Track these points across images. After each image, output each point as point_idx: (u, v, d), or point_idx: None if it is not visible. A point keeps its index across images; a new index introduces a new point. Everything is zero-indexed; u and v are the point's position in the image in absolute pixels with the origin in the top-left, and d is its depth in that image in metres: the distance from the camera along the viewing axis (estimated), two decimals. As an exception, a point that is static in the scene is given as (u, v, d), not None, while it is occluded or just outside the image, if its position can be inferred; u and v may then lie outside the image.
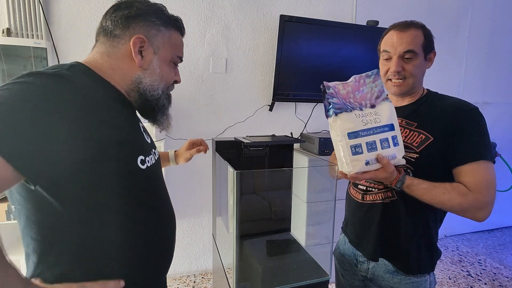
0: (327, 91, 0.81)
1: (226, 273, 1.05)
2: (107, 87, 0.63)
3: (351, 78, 0.84)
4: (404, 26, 0.89)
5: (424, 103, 0.93)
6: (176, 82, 0.75)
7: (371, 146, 0.79)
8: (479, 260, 2.54)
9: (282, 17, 1.94)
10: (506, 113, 2.92)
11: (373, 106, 0.83)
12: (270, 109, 2.21)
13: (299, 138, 2.23)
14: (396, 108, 0.96)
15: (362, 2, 2.29)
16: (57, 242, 0.55)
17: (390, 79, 0.92)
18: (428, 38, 0.90)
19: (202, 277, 2.18)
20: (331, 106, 0.80)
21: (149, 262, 0.66)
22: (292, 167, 1.33)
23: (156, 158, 0.72)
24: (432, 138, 0.85)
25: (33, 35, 1.71)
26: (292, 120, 2.28)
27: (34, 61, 1.66)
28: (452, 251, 2.69)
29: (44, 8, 1.72)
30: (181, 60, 0.75)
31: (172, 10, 0.76)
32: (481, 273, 2.34)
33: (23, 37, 1.69)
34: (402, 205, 0.90)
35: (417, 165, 0.87)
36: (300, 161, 1.89)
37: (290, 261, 1.15)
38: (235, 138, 1.19)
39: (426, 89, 0.97)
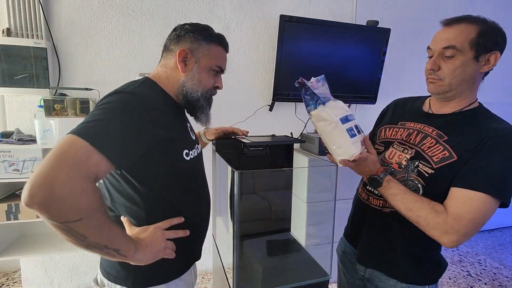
0: (307, 84, 0.84)
1: (226, 273, 1.05)
2: (164, 96, 0.83)
3: (312, 79, 0.87)
4: (452, 20, 0.79)
5: (465, 118, 0.81)
6: (218, 88, 0.92)
7: (357, 129, 0.83)
8: (479, 260, 2.54)
9: (282, 17, 1.94)
10: (506, 113, 2.91)
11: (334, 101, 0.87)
12: (270, 109, 2.21)
13: (299, 138, 2.23)
14: (433, 115, 0.88)
15: (362, 2, 2.29)
16: (139, 209, 0.77)
17: (428, 78, 0.85)
18: (485, 35, 0.75)
19: (202, 277, 2.18)
20: (317, 96, 0.83)
21: (190, 232, 0.83)
22: (292, 167, 1.33)
23: (198, 152, 0.90)
24: (455, 158, 0.76)
25: (33, 35, 1.71)
26: (292, 120, 2.28)
27: (34, 61, 1.67)
28: (452, 251, 2.69)
29: (44, 8, 1.72)
30: (222, 70, 0.90)
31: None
32: (481, 273, 2.34)
33: (23, 37, 1.69)
34: (401, 216, 0.82)
35: (428, 182, 0.80)
36: (300, 161, 1.89)
37: (290, 261, 1.15)
38: (235, 138, 1.19)
39: (479, 102, 0.84)
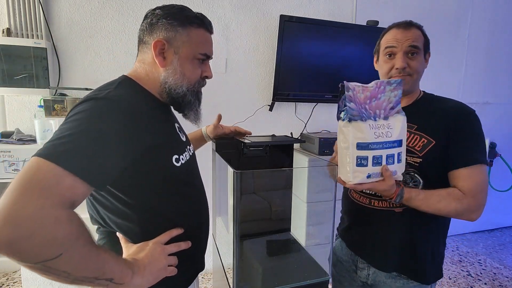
0: (345, 92, 0.76)
1: (226, 273, 1.05)
2: (146, 96, 0.73)
3: (372, 83, 0.79)
4: (407, 24, 0.89)
5: (423, 105, 0.92)
6: (207, 77, 0.79)
7: (377, 161, 0.77)
8: (479, 260, 2.54)
9: (282, 17, 1.94)
10: (506, 113, 2.92)
11: (386, 118, 0.79)
12: (270, 109, 2.21)
13: (299, 138, 2.23)
14: None
15: (362, 2, 2.29)
16: (132, 225, 0.69)
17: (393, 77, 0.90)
18: (426, 38, 0.91)
19: (202, 277, 2.18)
20: (346, 110, 0.76)
21: (191, 243, 0.76)
22: (292, 167, 1.33)
23: (190, 154, 0.81)
24: (434, 142, 0.84)
25: (33, 35, 1.71)
26: (292, 120, 2.28)
27: (34, 61, 1.67)
28: (452, 251, 2.69)
29: (44, 8, 1.72)
30: (208, 57, 0.77)
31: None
32: (481, 273, 2.34)
33: (23, 37, 1.69)
34: (414, 211, 0.86)
35: (420, 170, 0.86)
36: (300, 161, 1.89)
37: (290, 261, 1.15)
38: (235, 138, 1.19)
39: (422, 90, 0.96)
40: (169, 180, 0.72)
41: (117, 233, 0.71)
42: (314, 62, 2.10)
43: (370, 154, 0.76)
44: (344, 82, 0.77)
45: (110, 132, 0.57)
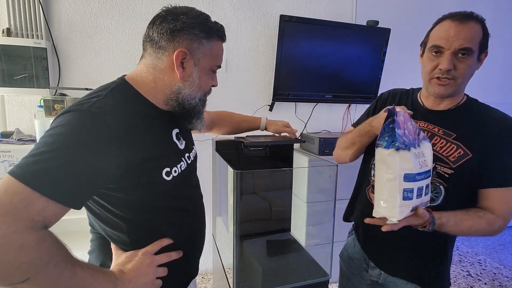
0: (395, 118, 0.68)
1: (226, 273, 1.05)
2: (140, 105, 0.67)
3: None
4: (464, 17, 0.76)
5: (466, 112, 0.83)
6: (214, 86, 0.78)
7: (420, 193, 0.70)
8: (479, 260, 2.54)
9: (282, 17, 1.94)
10: (506, 113, 2.91)
11: (419, 145, 0.72)
12: (270, 109, 2.21)
13: (299, 138, 2.23)
14: (431, 111, 0.86)
15: (362, 2, 2.29)
16: (122, 235, 0.67)
17: (436, 77, 0.79)
18: (486, 35, 0.77)
19: (202, 277, 2.18)
20: (395, 137, 0.67)
21: (184, 253, 0.74)
22: (292, 167, 1.33)
23: (189, 162, 0.76)
24: (470, 155, 0.77)
25: (33, 35, 1.71)
26: (292, 120, 2.28)
27: (34, 61, 1.66)
28: (452, 251, 2.69)
29: (44, 8, 1.72)
30: (220, 67, 0.77)
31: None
32: (481, 273, 2.34)
33: (23, 37, 1.69)
34: None
35: (450, 182, 0.79)
36: (300, 161, 1.89)
37: (290, 261, 1.15)
38: (235, 138, 1.19)
39: (465, 94, 0.86)
40: (158, 195, 0.68)
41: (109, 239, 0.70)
42: (314, 62, 2.10)
43: (415, 186, 0.68)
44: (393, 106, 0.70)
45: (89, 150, 0.53)
